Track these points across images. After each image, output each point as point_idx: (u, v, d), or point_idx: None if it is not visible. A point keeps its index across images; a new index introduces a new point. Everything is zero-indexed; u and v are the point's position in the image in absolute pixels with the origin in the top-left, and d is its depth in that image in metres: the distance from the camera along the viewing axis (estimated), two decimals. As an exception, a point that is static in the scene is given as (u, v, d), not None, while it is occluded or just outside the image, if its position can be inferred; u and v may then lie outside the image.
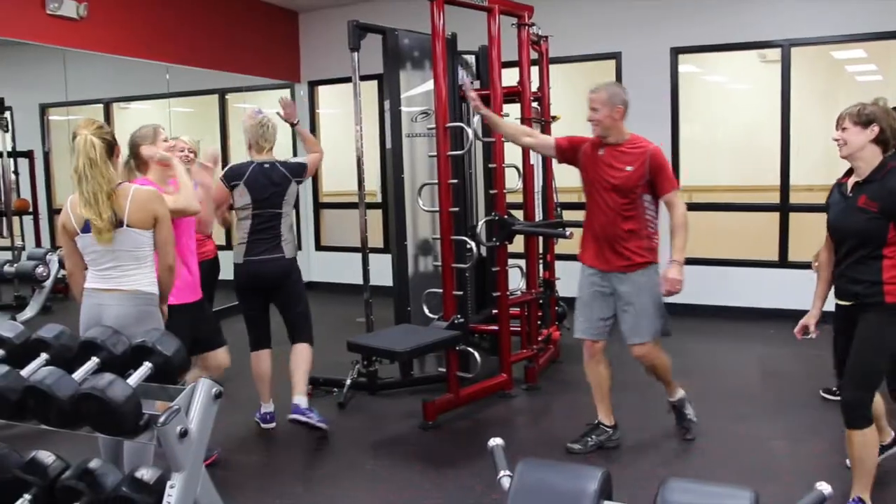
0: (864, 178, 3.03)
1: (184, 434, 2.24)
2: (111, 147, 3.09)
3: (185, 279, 3.67)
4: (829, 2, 6.48)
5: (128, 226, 3.07)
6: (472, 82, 5.29)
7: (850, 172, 3.14)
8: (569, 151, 4.12)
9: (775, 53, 6.76)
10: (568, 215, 6.17)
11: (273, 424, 4.43)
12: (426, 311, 4.84)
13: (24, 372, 2.46)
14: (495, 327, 4.96)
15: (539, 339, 5.33)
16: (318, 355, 4.47)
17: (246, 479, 3.80)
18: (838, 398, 4.56)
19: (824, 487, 1.63)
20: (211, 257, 4.82)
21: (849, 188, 3.10)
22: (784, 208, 6.77)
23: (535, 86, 5.46)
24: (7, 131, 6.96)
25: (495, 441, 1.89)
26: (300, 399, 4.24)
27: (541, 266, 5.61)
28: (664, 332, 4.00)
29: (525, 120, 5.16)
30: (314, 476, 3.93)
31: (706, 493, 1.63)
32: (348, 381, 4.90)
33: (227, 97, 8.75)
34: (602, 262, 3.93)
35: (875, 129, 2.97)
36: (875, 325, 3.02)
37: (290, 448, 4.24)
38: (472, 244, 4.67)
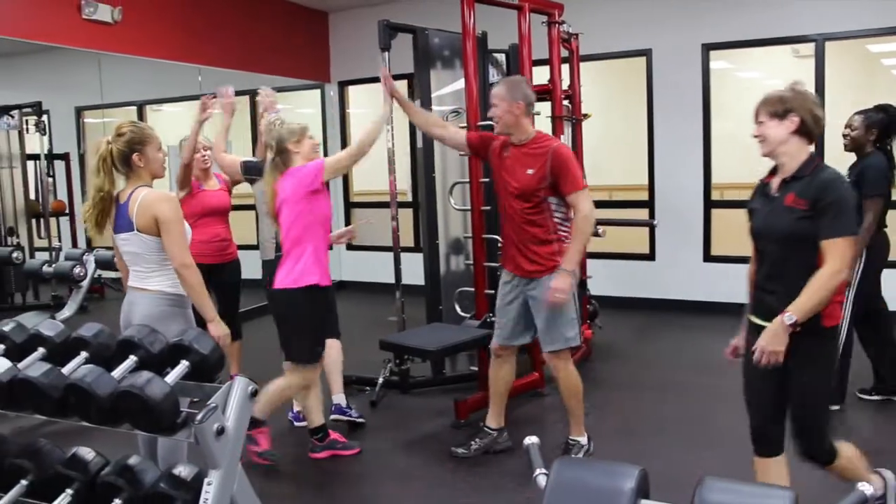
0: (791, 175, 2.65)
1: (221, 432, 2.26)
2: (125, 154, 3.14)
3: (324, 264, 3.72)
4: (864, -6, 6.39)
5: (137, 230, 3.14)
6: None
7: (775, 170, 2.77)
8: (480, 148, 3.93)
9: (809, 48, 6.67)
10: (600, 213, 6.12)
11: (305, 423, 4.46)
12: (458, 309, 4.85)
13: (65, 370, 2.50)
14: (527, 326, 4.94)
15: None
16: (350, 354, 4.50)
17: (279, 477, 3.83)
18: (874, 397, 4.54)
19: (865, 487, 1.61)
20: (233, 258, 4.89)
21: (774, 188, 2.72)
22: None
23: (565, 84, 5.43)
24: (44, 134, 7.09)
25: (531, 439, 1.89)
26: (339, 397, 4.32)
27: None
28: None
29: (556, 118, 5.15)
30: (347, 473, 3.95)
31: (745, 493, 1.61)
32: (380, 380, 4.92)
33: (257, 98, 8.80)
34: (515, 267, 3.78)
35: (794, 119, 2.62)
36: (816, 355, 2.64)
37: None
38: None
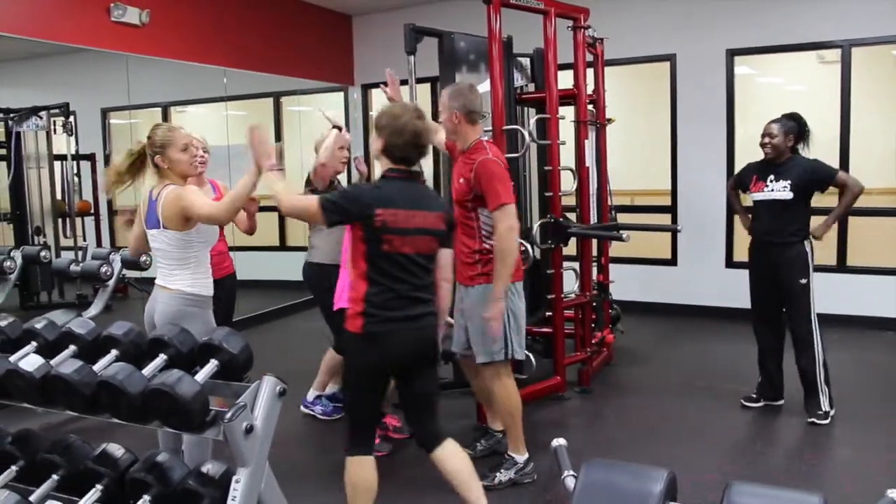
0: None
1: (249, 430, 2.29)
2: (152, 157, 3.33)
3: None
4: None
5: (163, 226, 3.26)
6: (525, 84, 5.30)
7: None
8: (453, 154, 3.91)
9: (834, 54, 6.63)
10: (622, 218, 6.13)
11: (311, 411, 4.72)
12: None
13: (96, 367, 2.54)
14: (549, 330, 4.95)
15: (593, 341, 5.30)
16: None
17: (303, 476, 3.85)
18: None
19: (895, 494, 1.60)
20: (230, 273, 4.77)
21: None
22: (826, 212, 6.61)
23: (590, 88, 5.43)
24: (71, 135, 7.17)
25: (558, 441, 1.90)
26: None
27: (595, 269, 5.58)
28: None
29: (580, 123, 5.15)
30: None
31: (774, 498, 1.61)
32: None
33: (281, 100, 8.88)
34: (457, 275, 3.71)
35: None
36: None
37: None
38: (528, 246, 4.67)
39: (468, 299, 3.71)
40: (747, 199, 4.71)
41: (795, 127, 4.44)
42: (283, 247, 8.86)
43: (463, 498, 3.00)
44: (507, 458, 3.78)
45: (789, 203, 4.37)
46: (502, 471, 3.72)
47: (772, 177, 4.43)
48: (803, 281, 4.36)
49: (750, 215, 4.67)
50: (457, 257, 3.59)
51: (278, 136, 8.90)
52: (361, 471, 2.94)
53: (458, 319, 3.84)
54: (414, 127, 2.85)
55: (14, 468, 2.72)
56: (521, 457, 3.76)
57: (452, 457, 3.01)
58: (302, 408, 4.80)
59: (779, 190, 4.39)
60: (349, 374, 3.04)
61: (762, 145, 4.48)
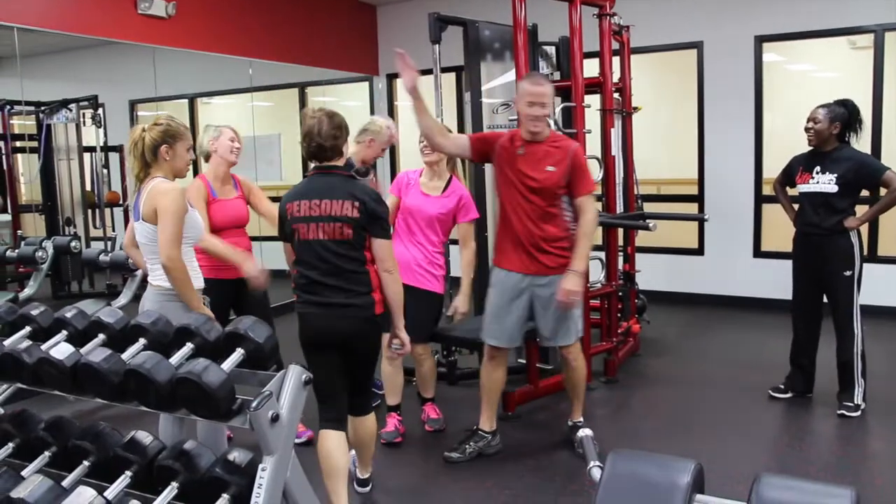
0: None
1: (275, 419, 2.30)
2: (156, 144, 3.18)
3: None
4: (926, -17, 6.22)
5: (142, 219, 3.18)
6: (551, 73, 5.27)
7: None
8: (483, 148, 3.84)
9: (867, 39, 6.52)
10: (649, 207, 6.08)
11: None
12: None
13: (125, 356, 2.56)
14: (575, 320, 4.93)
15: (619, 331, 5.28)
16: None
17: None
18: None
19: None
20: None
21: None
22: (873, 202, 6.52)
23: (616, 76, 5.39)
24: (100, 127, 7.24)
25: (585, 432, 1.89)
26: None
27: (621, 258, 5.55)
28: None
29: (606, 111, 5.11)
30: (395, 464, 3.98)
31: (804, 491, 1.59)
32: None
33: (306, 91, 8.91)
34: (523, 266, 3.74)
35: None
36: None
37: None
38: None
39: (553, 287, 3.70)
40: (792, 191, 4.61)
41: (844, 115, 4.28)
42: (308, 237, 8.89)
43: (358, 456, 3.45)
44: (580, 423, 4.03)
45: (834, 196, 4.26)
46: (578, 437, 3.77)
47: (818, 168, 4.31)
48: (847, 273, 4.27)
49: (796, 206, 4.55)
50: (535, 248, 3.70)
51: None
52: (323, 443, 3.12)
53: (507, 313, 3.81)
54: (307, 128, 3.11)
55: (47, 454, 2.76)
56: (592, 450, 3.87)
57: (363, 426, 3.28)
58: None
59: (824, 183, 4.27)
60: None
61: (805, 130, 4.36)
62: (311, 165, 3.20)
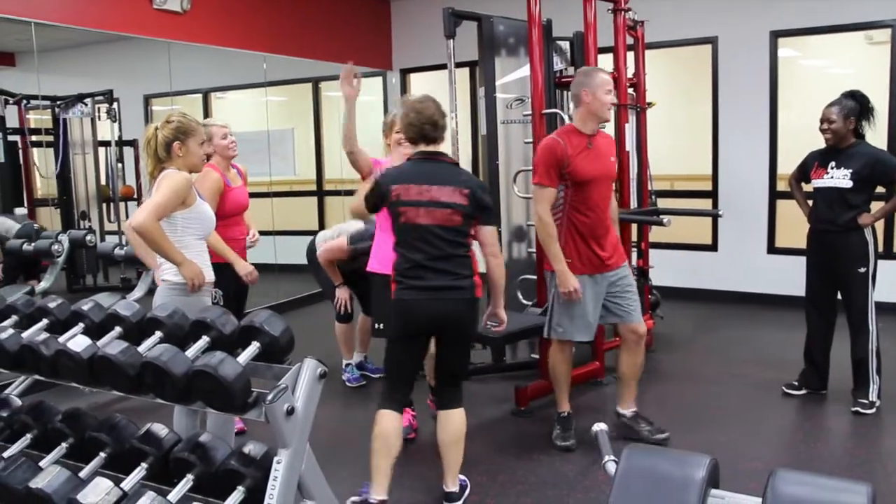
0: None
1: (290, 412, 2.31)
2: (169, 141, 3.20)
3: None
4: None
5: None
6: (565, 68, 5.26)
7: None
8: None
9: (884, 34, 6.46)
10: (663, 202, 6.07)
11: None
12: (520, 297, 4.85)
13: (141, 349, 2.58)
14: (588, 315, 4.92)
15: (632, 327, 5.26)
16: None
17: (343, 460, 3.90)
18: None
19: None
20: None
21: None
22: (888, 198, 6.48)
23: (630, 72, 5.37)
24: (115, 121, 7.29)
25: (599, 426, 1.89)
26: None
27: (635, 254, 5.54)
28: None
29: (621, 106, 5.10)
30: (409, 458, 3.98)
31: (820, 486, 1.58)
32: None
33: (319, 85, 8.92)
34: (602, 263, 3.79)
35: None
36: None
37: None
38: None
39: (626, 267, 3.95)
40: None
41: (856, 107, 4.24)
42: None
43: (444, 460, 3.29)
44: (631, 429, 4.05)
45: (848, 192, 4.23)
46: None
47: (833, 163, 4.28)
48: (862, 270, 4.24)
49: (810, 202, 4.53)
50: (611, 240, 3.83)
51: (317, 122, 8.95)
52: (382, 422, 3.17)
53: (592, 309, 3.84)
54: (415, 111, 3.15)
55: (64, 445, 2.79)
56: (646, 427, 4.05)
57: (451, 423, 3.25)
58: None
59: (839, 178, 4.24)
60: (388, 335, 3.31)
61: (822, 131, 4.31)
62: (412, 150, 3.23)
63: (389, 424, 3.17)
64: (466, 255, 3.14)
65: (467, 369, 3.35)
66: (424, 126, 3.09)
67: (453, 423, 3.25)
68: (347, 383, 5.10)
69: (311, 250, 5.13)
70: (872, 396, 4.27)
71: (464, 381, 3.32)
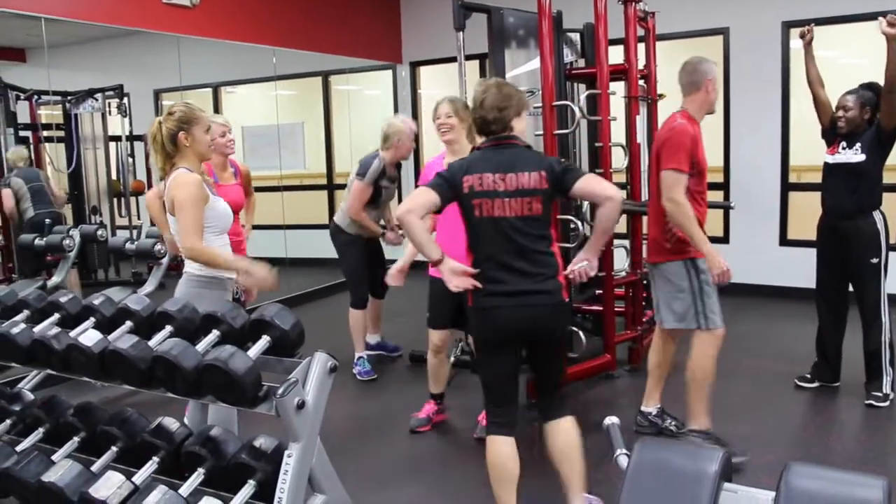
0: None
1: (301, 406, 2.32)
2: (173, 133, 3.16)
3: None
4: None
5: (168, 212, 3.22)
6: (575, 60, 5.23)
7: None
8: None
9: (897, 24, 6.39)
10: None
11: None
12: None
13: (152, 343, 2.59)
14: (599, 307, 4.91)
15: (643, 320, 5.24)
16: (420, 333, 4.53)
17: (357, 454, 3.90)
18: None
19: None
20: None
21: None
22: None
23: (641, 63, 5.34)
24: (125, 116, 7.30)
25: (611, 420, 1.88)
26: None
27: (646, 246, 5.51)
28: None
29: (631, 98, 5.07)
30: (420, 451, 3.99)
31: (835, 480, 1.57)
32: (451, 359, 4.93)
33: (329, 79, 8.91)
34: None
35: None
36: None
37: (395, 425, 4.32)
38: (578, 223, 4.63)
39: None
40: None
41: (873, 98, 4.23)
42: (332, 225, 8.93)
43: (562, 474, 2.98)
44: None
45: (860, 169, 4.19)
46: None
47: (844, 144, 4.29)
48: (874, 260, 4.20)
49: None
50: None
51: (327, 115, 8.95)
52: (493, 449, 2.92)
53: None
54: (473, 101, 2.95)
55: (76, 439, 2.81)
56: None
57: (561, 433, 2.98)
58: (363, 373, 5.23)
59: (850, 153, 4.24)
60: (474, 346, 3.09)
61: (837, 118, 4.30)
62: (479, 140, 3.01)
63: (501, 450, 2.91)
64: (549, 251, 2.86)
65: (565, 374, 3.07)
66: (486, 115, 2.85)
67: (564, 434, 2.96)
68: (358, 377, 5.09)
69: (335, 229, 5.16)
70: (886, 389, 4.24)
71: (562, 385, 3.05)
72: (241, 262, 3.23)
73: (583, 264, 2.90)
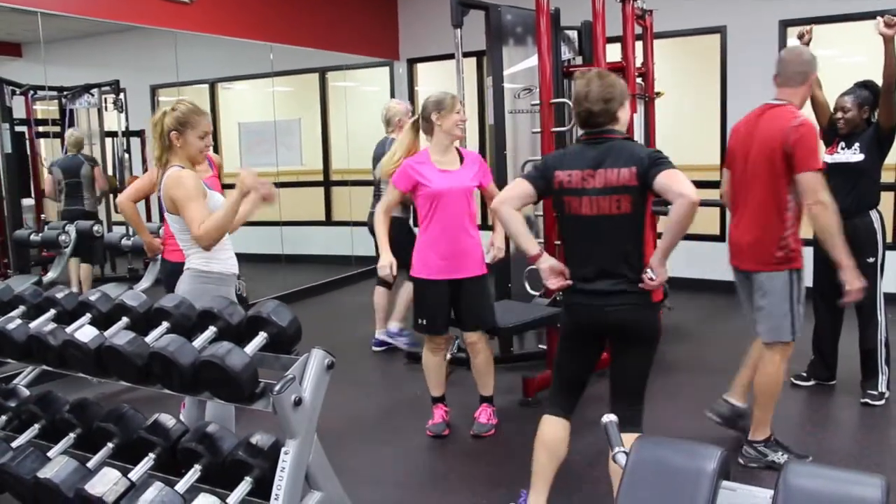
0: None
1: (298, 402, 2.31)
2: (169, 130, 3.16)
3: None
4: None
5: (167, 211, 3.22)
6: (573, 57, 5.23)
7: None
8: None
9: (894, 23, 6.40)
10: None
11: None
12: (528, 287, 4.83)
13: (148, 339, 2.58)
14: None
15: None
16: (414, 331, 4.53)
17: (353, 451, 3.90)
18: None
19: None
20: None
21: None
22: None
23: (638, 61, 5.34)
24: (121, 111, 7.28)
25: (609, 417, 1.88)
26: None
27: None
28: None
29: (630, 96, 5.06)
30: (416, 449, 3.99)
31: (833, 479, 1.56)
32: (448, 357, 4.93)
33: (326, 76, 8.90)
34: None
35: None
36: None
37: (391, 422, 4.32)
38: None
39: None
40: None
41: (869, 97, 4.24)
42: (328, 221, 8.93)
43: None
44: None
45: (859, 168, 4.20)
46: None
47: (843, 144, 4.30)
48: (871, 259, 4.19)
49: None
50: None
51: (324, 112, 8.94)
52: (545, 429, 2.95)
53: None
54: (575, 92, 2.84)
55: (72, 435, 2.80)
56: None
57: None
58: (375, 347, 5.49)
59: (850, 153, 4.25)
60: (559, 331, 3.07)
61: (836, 120, 4.31)
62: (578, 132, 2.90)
63: (552, 431, 2.93)
64: (638, 253, 2.76)
65: (644, 387, 2.91)
66: (592, 108, 2.72)
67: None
68: (404, 347, 5.36)
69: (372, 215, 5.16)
70: (882, 387, 4.25)
71: (640, 402, 2.93)
72: (237, 192, 3.04)
73: (646, 274, 2.74)
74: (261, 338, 2.51)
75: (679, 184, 2.59)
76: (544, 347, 4.75)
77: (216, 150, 4.49)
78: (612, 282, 2.73)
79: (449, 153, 3.91)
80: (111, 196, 7.39)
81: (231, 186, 3.82)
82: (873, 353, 4.26)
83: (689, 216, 2.59)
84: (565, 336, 2.96)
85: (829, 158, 4.35)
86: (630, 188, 2.67)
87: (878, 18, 4.05)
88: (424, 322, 3.99)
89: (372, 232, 4.90)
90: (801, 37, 4.46)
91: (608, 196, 2.69)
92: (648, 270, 2.72)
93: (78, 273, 6.41)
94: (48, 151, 7.24)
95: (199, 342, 2.53)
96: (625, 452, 1.72)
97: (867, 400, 4.23)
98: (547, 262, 2.82)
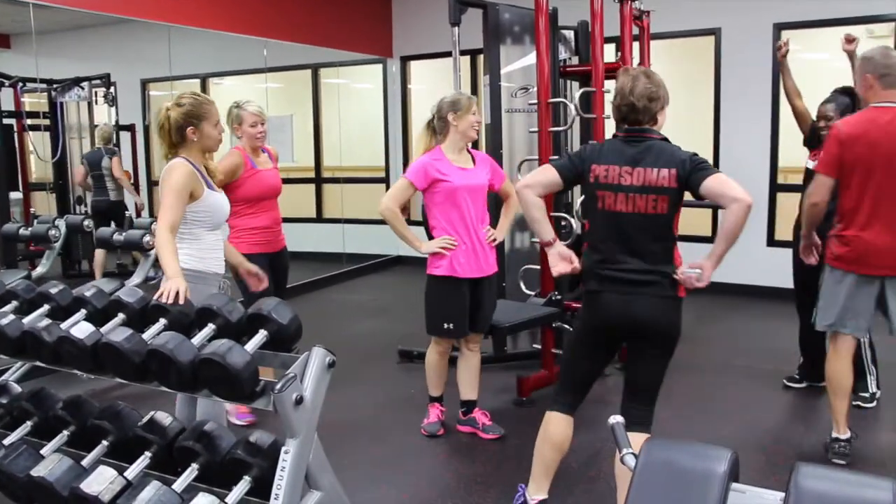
0: None
1: (299, 401, 2.28)
2: (181, 125, 3.11)
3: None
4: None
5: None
6: (569, 57, 5.22)
7: None
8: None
9: (886, 28, 6.45)
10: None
11: None
12: (523, 287, 4.82)
13: (146, 336, 2.54)
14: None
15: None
16: (412, 330, 4.52)
17: (351, 450, 3.88)
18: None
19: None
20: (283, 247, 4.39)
21: None
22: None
23: (635, 62, 5.33)
24: (112, 105, 7.23)
25: (616, 419, 1.86)
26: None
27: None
28: None
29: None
30: (414, 448, 3.97)
31: (844, 482, 1.55)
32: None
33: (319, 72, 8.86)
34: None
35: None
36: None
37: (389, 421, 4.30)
38: (571, 220, 4.62)
39: None
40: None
41: (850, 104, 4.26)
42: (319, 219, 8.89)
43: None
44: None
45: None
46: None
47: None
48: None
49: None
50: None
51: (316, 109, 8.90)
52: (550, 424, 2.94)
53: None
54: (618, 86, 2.80)
55: (66, 433, 2.76)
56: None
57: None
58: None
59: None
60: (573, 328, 3.05)
61: (819, 128, 4.32)
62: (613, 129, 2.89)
63: (556, 428, 2.93)
64: (668, 252, 2.78)
65: (658, 388, 2.88)
66: (636, 103, 2.72)
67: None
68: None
69: None
70: (872, 387, 4.26)
71: (652, 402, 2.89)
72: (170, 270, 2.87)
73: (695, 272, 2.72)
74: (261, 335, 2.48)
75: (732, 189, 2.64)
76: (538, 347, 4.74)
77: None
78: (641, 276, 2.73)
79: (462, 153, 3.87)
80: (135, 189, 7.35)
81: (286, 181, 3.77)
82: (858, 354, 4.27)
83: (746, 219, 2.65)
84: (585, 331, 2.92)
85: (811, 164, 4.38)
86: (669, 189, 2.68)
87: (843, 36, 4.19)
88: (452, 326, 3.86)
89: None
90: (778, 49, 4.48)
91: (645, 195, 2.69)
92: (697, 270, 2.72)
93: (103, 263, 6.62)
94: (38, 144, 7.17)
95: (197, 339, 2.49)
96: (633, 454, 1.70)
97: (858, 402, 4.24)
98: (557, 249, 2.85)
